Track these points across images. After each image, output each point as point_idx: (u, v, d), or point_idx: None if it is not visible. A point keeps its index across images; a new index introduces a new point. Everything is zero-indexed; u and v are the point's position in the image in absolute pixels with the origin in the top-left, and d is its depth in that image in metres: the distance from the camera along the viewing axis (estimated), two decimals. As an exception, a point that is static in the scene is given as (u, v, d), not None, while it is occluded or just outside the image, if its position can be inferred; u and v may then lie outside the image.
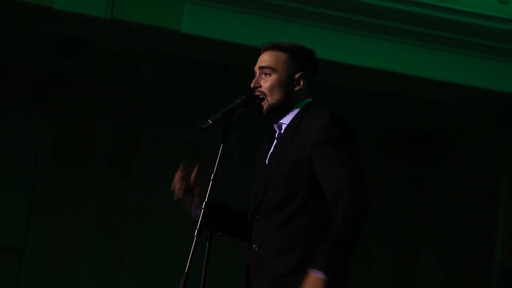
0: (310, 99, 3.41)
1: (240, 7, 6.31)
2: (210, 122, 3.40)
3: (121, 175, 8.05)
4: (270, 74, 3.39)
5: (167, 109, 8.08)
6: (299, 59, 3.40)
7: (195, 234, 3.23)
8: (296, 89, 3.39)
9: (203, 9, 6.26)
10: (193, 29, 6.24)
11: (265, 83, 3.39)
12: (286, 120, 3.38)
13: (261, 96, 3.39)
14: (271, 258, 3.26)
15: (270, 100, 3.38)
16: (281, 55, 3.40)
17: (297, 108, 3.38)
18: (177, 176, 3.38)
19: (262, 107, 3.38)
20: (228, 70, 7.40)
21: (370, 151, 8.60)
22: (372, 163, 8.63)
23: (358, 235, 3.12)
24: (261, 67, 3.41)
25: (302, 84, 3.39)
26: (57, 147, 7.93)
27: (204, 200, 3.27)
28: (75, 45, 7.08)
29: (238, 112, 3.38)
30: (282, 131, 3.39)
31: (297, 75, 3.39)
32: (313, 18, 6.49)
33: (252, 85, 3.40)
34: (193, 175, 3.38)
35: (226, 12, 6.30)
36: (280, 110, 3.38)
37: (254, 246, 3.31)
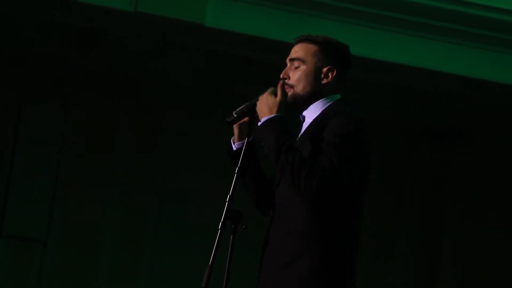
0: (339, 95, 3.40)
1: (265, 1, 6.31)
2: (235, 115, 3.40)
3: (143, 168, 8.07)
4: (299, 66, 3.39)
5: (189, 103, 8.08)
6: (330, 52, 3.39)
7: (219, 227, 3.23)
8: (323, 82, 3.38)
9: (227, 3, 6.26)
10: (217, 23, 6.24)
11: (294, 75, 3.39)
12: (308, 113, 3.38)
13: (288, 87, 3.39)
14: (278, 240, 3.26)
15: (295, 89, 3.37)
16: (312, 47, 3.40)
17: (323, 102, 3.37)
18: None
19: (287, 94, 3.38)
20: (251, 64, 7.39)
21: (393, 148, 8.55)
22: (395, 160, 8.59)
23: (284, 165, 3.16)
24: (291, 59, 3.42)
25: (331, 78, 3.38)
26: (79, 140, 7.95)
27: (229, 194, 3.27)
28: (96, 38, 7.09)
29: None
30: (305, 128, 3.37)
31: (325, 68, 3.39)
32: (338, 12, 6.46)
33: (281, 75, 3.40)
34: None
35: (251, 6, 6.29)
36: (304, 101, 3.38)
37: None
